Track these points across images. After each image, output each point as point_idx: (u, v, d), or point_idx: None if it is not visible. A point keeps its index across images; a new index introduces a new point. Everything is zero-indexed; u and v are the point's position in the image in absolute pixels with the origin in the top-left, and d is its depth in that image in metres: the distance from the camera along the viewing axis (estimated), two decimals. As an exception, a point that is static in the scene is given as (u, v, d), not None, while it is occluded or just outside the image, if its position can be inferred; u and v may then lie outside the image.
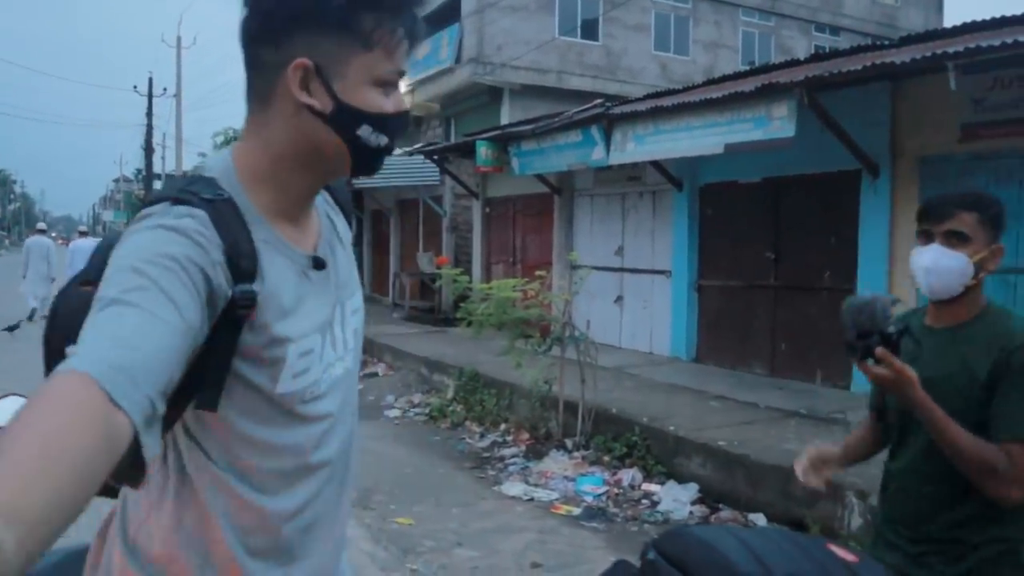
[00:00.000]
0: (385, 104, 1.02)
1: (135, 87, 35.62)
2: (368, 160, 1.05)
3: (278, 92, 1.00)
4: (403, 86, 1.11)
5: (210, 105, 55.68)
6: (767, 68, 7.47)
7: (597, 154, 8.66)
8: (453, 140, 15.42)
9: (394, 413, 7.87)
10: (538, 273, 7.45)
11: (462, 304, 7.31)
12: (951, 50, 5.08)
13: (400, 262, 16.22)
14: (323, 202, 1.18)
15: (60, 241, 34.29)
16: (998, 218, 1.71)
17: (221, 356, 0.95)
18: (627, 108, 8.25)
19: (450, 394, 7.95)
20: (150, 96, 35.44)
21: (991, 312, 1.73)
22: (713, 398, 6.79)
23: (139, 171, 48.83)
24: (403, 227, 16.41)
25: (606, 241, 10.13)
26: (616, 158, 8.38)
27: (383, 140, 1.03)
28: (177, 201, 0.93)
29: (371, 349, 10.58)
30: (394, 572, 4.03)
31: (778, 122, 6.41)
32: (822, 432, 5.58)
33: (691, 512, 4.96)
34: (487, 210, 13.07)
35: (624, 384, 7.34)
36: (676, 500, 5.06)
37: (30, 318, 11.78)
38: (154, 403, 0.74)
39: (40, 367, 1.01)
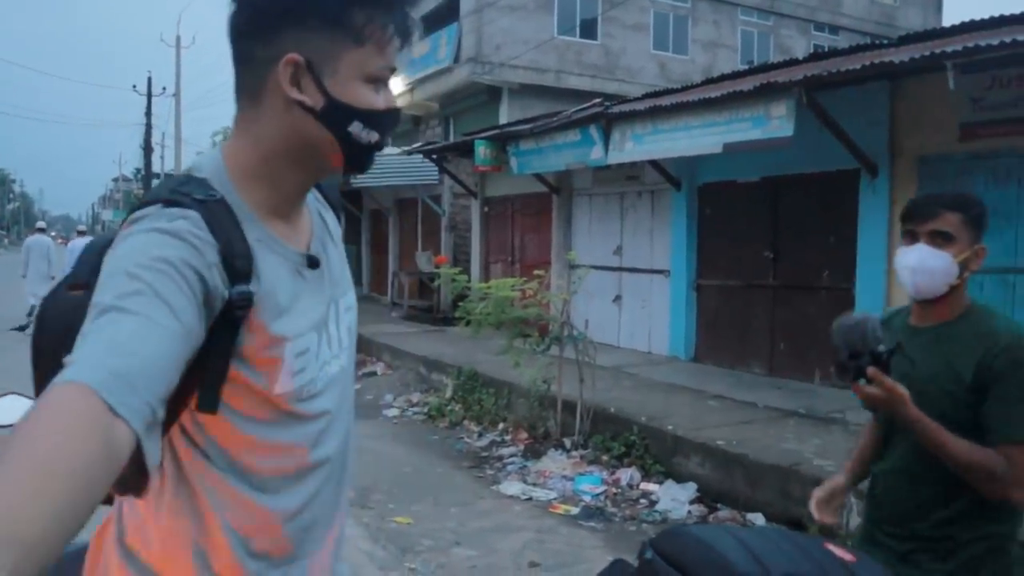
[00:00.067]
0: (376, 100, 1.02)
1: (134, 86, 35.64)
2: (359, 156, 1.04)
3: (268, 88, 0.99)
4: (395, 83, 1.10)
5: (209, 104, 55.75)
6: (766, 67, 7.45)
7: (596, 153, 8.65)
8: (452, 139, 15.39)
9: (392, 412, 7.87)
10: (537, 272, 7.46)
11: (460, 303, 7.31)
12: (950, 49, 5.09)
13: (399, 261, 16.22)
14: (314, 200, 1.17)
15: (59, 240, 34.20)
16: (981, 218, 1.74)
17: (219, 358, 0.94)
18: (626, 107, 8.24)
19: (448, 393, 7.94)
20: (149, 95, 35.44)
21: (974, 311, 1.75)
22: (712, 397, 6.78)
23: (138, 170, 48.86)
24: (402, 226, 16.40)
25: (605, 240, 10.13)
26: (615, 157, 8.38)
27: (374, 136, 1.03)
28: (169, 203, 0.92)
29: (369, 348, 10.57)
30: (392, 571, 4.02)
31: (777, 121, 6.41)
32: (820, 432, 5.59)
33: (689, 511, 4.96)
34: (486, 209, 13.06)
35: (622, 383, 7.34)
36: (674, 499, 5.06)
37: (29, 314, 11.83)
38: (154, 409, 0.74)
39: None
